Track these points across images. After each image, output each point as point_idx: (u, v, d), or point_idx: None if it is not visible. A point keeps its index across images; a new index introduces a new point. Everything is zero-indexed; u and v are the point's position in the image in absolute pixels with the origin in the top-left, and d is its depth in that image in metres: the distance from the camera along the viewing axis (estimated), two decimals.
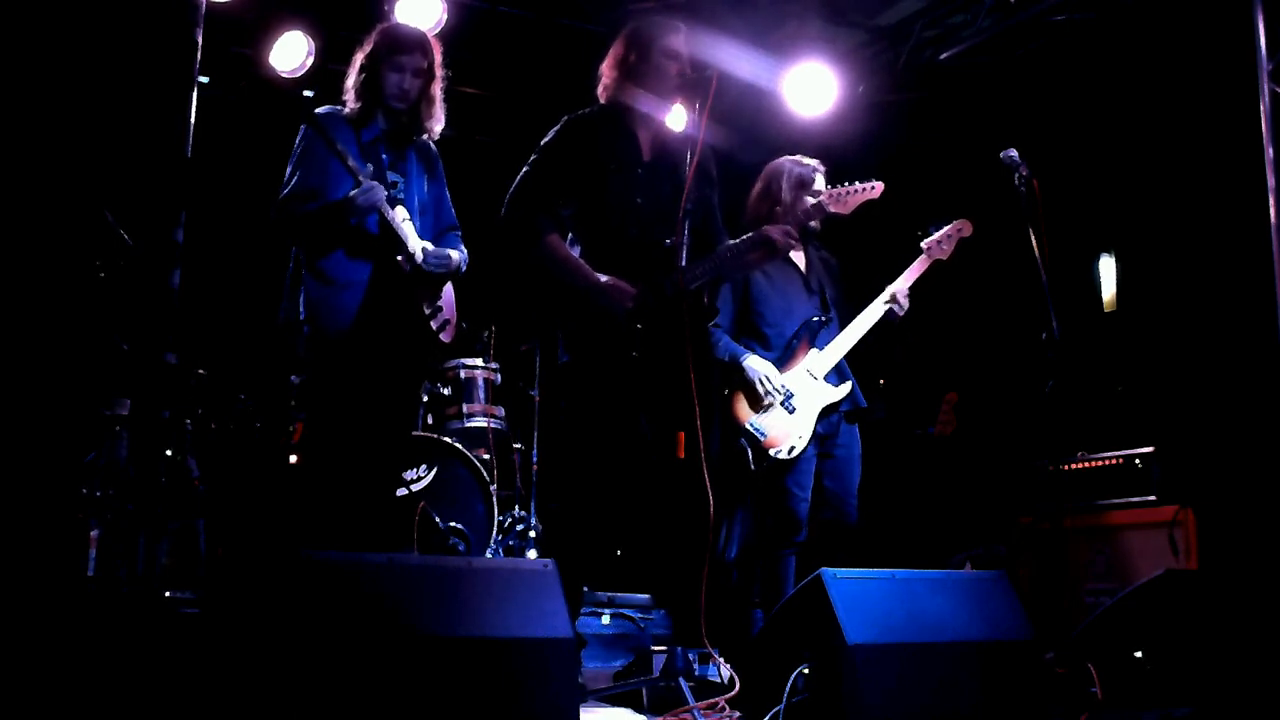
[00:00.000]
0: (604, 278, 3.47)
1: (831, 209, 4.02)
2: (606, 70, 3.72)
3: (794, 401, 4.13)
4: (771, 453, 4.07)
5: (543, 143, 3.67)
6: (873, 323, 4.19)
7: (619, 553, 6.25)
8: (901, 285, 4.20)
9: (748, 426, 4.10)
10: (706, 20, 5.79)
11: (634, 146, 3.66)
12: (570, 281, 3.52)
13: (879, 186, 3.98)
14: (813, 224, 4.24)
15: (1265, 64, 4.36)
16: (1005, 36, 5.74)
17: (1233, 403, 4.74)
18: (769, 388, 4.11)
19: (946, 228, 4.28)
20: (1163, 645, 3.17)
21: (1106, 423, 5.25)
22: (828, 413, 4.16)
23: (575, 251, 3.59)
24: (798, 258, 4.31)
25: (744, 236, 3.66)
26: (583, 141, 3.62)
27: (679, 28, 3.69)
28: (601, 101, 3.72)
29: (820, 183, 4.21)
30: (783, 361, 4.19)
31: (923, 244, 4.24)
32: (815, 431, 4.11)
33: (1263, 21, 4.40)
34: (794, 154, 4.34)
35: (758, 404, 4.13)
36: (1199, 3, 4.93)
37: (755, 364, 4.16)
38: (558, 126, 3.68)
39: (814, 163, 4.29)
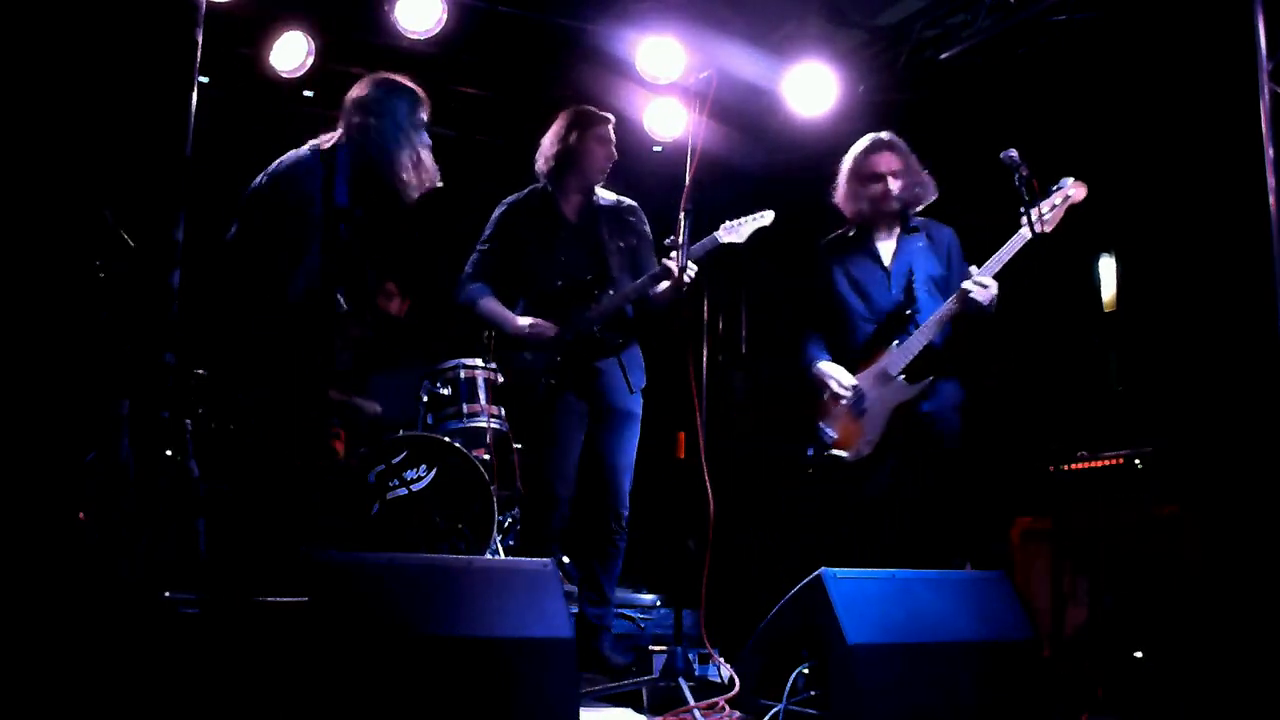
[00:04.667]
0: (525, 322, 4.40)
1: (725, 240, 4.29)
2: (545, 146, 4.52)
3: (865, 404, 4.01)
4: (837, 453, 3.99)
5: (485, 231, 4.58)
6: (949, 313, 3.96)
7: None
8: (984, 269, 3.93)
9: (819, 428, 4.06)
10: (706, 20, 5.79)
11: (557, 214, 4.51)
12: (502, 330, 4.51)
13: (770, 216, 4.33)
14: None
15: (1265, 64, 4.35)
16: (1005, 36, 5.72)
17: (1233, 403, 4.73)
18: (836, 390, 4.07)
19: (1052, 196, 3.96)
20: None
21: (1106, 423, 5.25)
22: (905, 413, 3.98)
23: (521, 303, 4.50)
24: (884, 247, 4.24)
25: (645, 275, 4.36)
26: (510, 224, 4.54)
27: (609, 119, 4.51)
28: (539, 169, 4.54)
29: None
30: (862, 360, 4.08)
31: (1022, 219, 3.85)
32: (892, 437, 3.95)
33: (1263, 21, 4.39)
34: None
35: (830, 407, 4.07)
36: (1199, 3, 4.93)
37: (823, 368, 4.14)
38: (494, 213, 4.59)
39: None
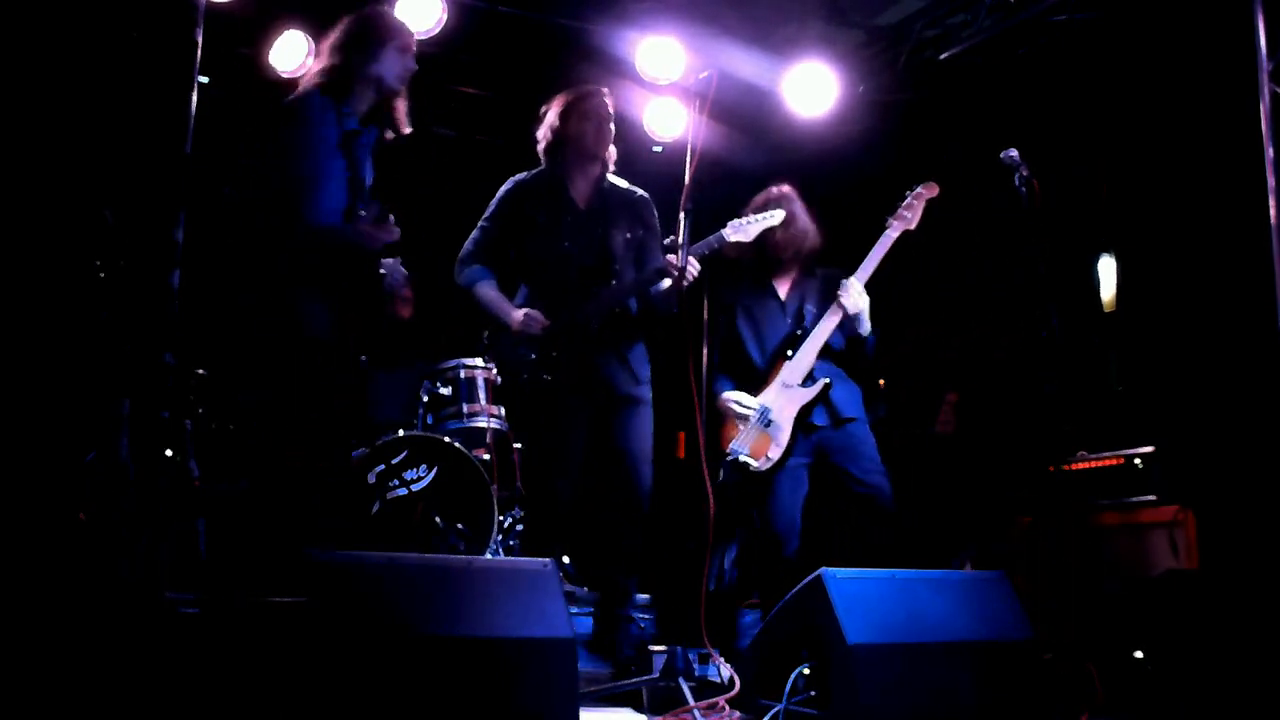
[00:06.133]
0: (518, 314, 4.22)
1: (732, 239, 4.23)
2: (542, 133, 4.39)
3: (770, 415, 4.25)
4: (753, 466, 4.20)
5: (489, 208, 4.39)
6: (837, 318, 4.26)
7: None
8: (854, 278, 4.25)
9: (729, 451, 4.24)
10: (706, 20, 5.79)
11: (565, 199, 4.34)
12: (495, 318, 4.32)
13: (780, 215, 4.29)
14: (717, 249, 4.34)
15: (1265, 64, 4.35)
16: (1006, 36, 5.73)
17: (1233, 402, 4.73)
18: (740, 411, 4.28)
19: (909, 197, 4.31)
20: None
21: (1106, 423, 5.25)
22: (807, 415, 4.26)
23: (523, 289, 4.34)
24: (780, 284, 4.50)
25: (647, 270, 4.24)
26: (517, 203, 4.36)
27: (600, 92, 4.37)
28: (541, 158, 4.39)
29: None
30: (763, 383, 4.32)
31: (887, 219, 4.29)
32: (799, 438, 4.23)
33: (1263, 21, 4.39)
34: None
35: (739, 429, 4.29)
36: (1199, 3, 4.93)
37: (726, 396, 4.36)
38: (501, 190, 4.40)
39: None
